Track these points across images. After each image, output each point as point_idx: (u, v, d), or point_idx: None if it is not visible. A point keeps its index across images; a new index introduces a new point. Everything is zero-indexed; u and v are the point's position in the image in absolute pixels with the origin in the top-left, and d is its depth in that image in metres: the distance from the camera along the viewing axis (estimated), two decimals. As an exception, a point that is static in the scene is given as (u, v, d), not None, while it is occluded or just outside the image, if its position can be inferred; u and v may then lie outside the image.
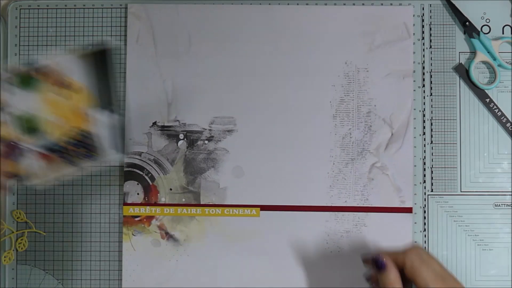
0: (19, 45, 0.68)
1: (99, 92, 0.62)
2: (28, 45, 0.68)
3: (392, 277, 0.56)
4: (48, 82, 0.61)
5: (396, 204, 0.65)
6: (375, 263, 0.56)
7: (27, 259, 0.67)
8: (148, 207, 0.66)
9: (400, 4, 0.67)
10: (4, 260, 0.66)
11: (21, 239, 0.67)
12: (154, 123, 0.67)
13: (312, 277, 0.65)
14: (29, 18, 0.69)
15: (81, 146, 0.65)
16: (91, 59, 0.60)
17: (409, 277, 0.56)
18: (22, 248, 0.67)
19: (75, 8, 0.69)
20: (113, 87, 0.62)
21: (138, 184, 0.67)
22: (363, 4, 0.67)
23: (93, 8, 0.69)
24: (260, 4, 0.68)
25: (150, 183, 0.67)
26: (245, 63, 0.67)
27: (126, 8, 0.68)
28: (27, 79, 0.61)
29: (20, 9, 0.69)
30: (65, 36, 0.69)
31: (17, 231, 0.67)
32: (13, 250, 0.67)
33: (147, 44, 0.67)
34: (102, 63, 0.61)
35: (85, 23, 0.69)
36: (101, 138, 0.64)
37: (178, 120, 0.67)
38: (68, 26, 0.69)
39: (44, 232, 0.67)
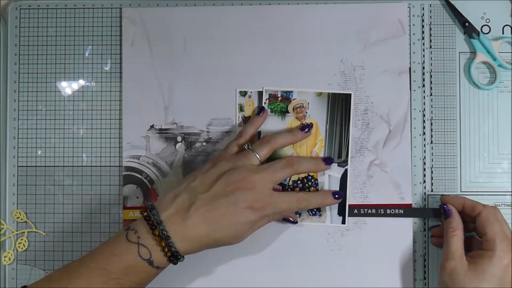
0: (19, 45, 0.68)
1: (332, 141, 0.64)
2: (28, 45, 0.69)
3: (454, 224, 0.60)
4: (295, 116, 0.63)
5: (396, 201, 0.65)
6: (442, 209, 0.62)
7: (27, 259, 0.67)
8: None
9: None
10: (4, 260, 0.67)
11: (21, 239, 0.67)
12: (152, 126, 0.67)
13: (313, 276, 0.65)
14: (29, 18, 0.69)
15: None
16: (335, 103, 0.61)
17: (479, 226, 0.60)
18: (22, 248, 0.67)
19: (75, 8, 0.69)
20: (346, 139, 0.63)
21: (137, 187, 0.67)
22: (361, 3, 0.67)
23: (93, 8, 0.69)
24: (260, 4, 0.67)
25: (149, 186, 0.67)
26: (241, 64, 0.67)
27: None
28: (283, 107, 0.64)
29: (20, 9, 0.69)
30: (65, 36, 0.69)
31: (17, 231, 0.67)
32: (13, 250, 0.67)
33: (142, 48, 0.67)
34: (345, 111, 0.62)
35: (85, 23, 0.69)
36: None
37: (175, 123, 0.67)
38: (68, 26, 0.69)
39: (44, 232, 0.67)
